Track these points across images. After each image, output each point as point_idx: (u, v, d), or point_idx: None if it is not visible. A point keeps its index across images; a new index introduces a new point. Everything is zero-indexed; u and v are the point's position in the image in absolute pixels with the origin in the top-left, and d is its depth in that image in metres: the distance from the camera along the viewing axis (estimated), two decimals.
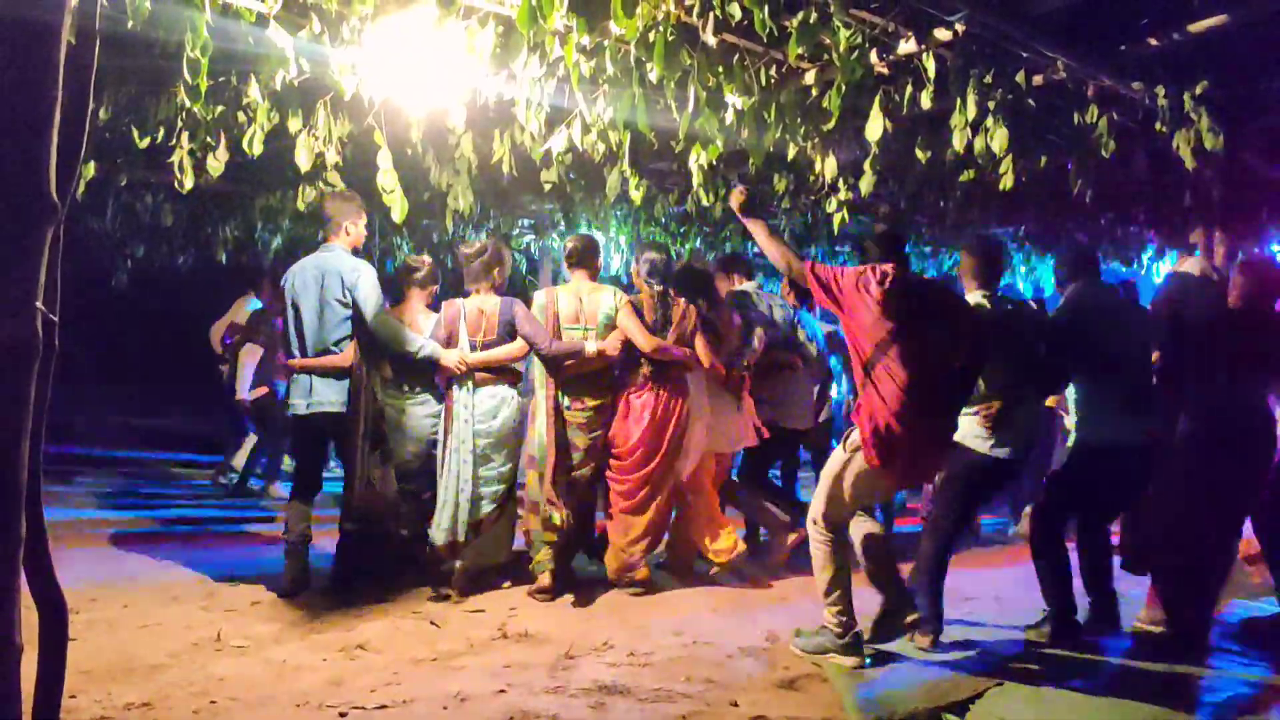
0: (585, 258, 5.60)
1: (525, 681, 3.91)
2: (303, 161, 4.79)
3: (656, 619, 4.92)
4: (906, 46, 4.50)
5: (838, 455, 4.33)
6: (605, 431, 5.43)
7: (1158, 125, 4.77)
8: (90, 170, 5.75)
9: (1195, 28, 4.39)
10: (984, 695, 3.89)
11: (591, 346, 5.28)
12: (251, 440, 8.71)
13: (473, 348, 5.29)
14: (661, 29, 3.64)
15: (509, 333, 5.30)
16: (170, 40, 4.05)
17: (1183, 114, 4.64)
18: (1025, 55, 4.52)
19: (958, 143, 4.62)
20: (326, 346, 5.24)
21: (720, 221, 8.93)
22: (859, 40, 3.94)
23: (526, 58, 4.06)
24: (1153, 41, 4.57)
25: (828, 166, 5.15)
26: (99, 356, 11.12)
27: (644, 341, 5.32)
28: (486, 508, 5.27)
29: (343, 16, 4.05)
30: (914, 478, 4.71)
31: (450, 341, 5.32)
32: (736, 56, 4.30)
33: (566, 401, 5.36)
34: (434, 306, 5.76)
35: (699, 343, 5.52)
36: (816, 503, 4.35)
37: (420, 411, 5.47)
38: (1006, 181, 4.79)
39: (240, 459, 8.80)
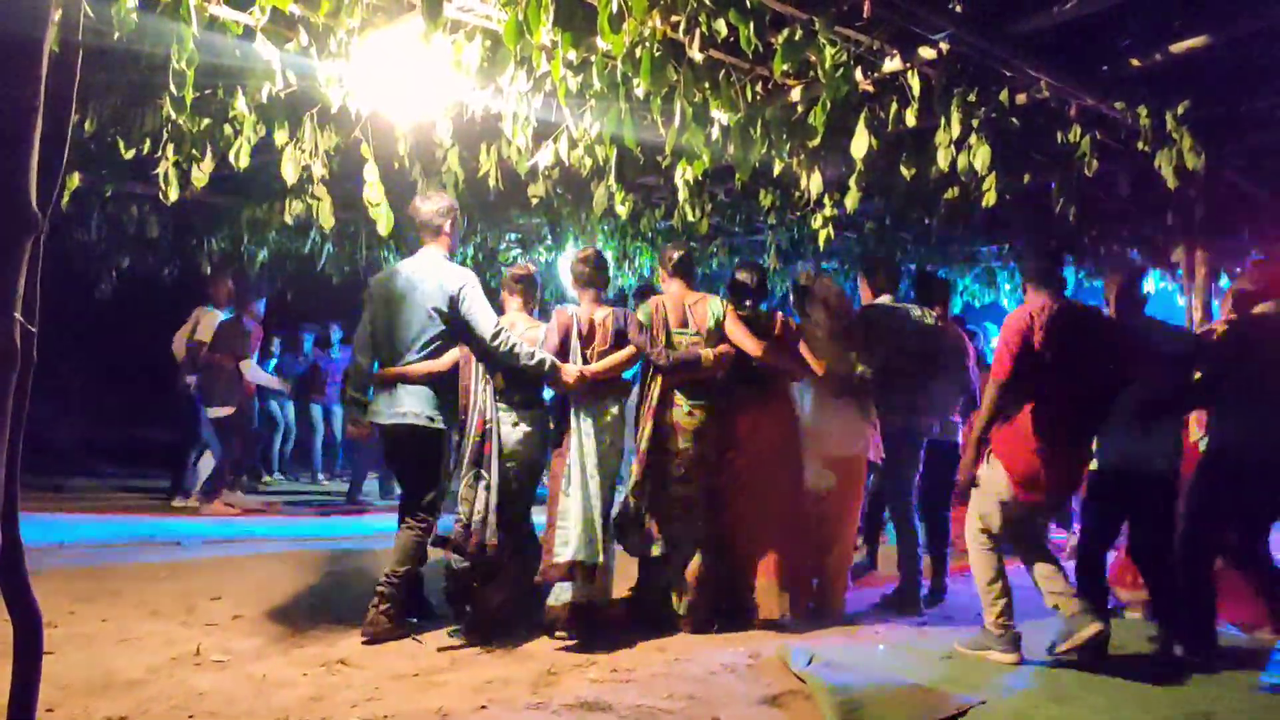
0: (685, 268, 5.48)
1: (507, 698, 3.89)
2: (289, 174, 4.79)
3: (640, 635, 4.89)
4: (891, 64, 4.53)
5: (986, 473, 4.52)
6: (712, 446, 5.22)
7: (1140, 144, 4.81)
8: (75, 181, 5.75)
9: (1177, 48, 4.44)
10: (965, 714, 3.88)
11: (708, 352, 5.14)
12: (208, 460, 8.54)
13: (584, 360, 5.03)
14: (648, 45, 3.66)
15: (621, 342, 5.11)
16: (156, 53, 4.04)
17: (1165, 133, 4.68)
18: (1009, 74, 4.55)
19: (942, 160, 4.65)
20: (417, 356, 4.84)
21: (707, 237, 8.96)
22: (844, 58, 3.96)
23: (513, 72, 4.09)
24: (1135, 62, 4.62)
25: (813, 183, 5.17)
26: (82, 367, 11.00)
27: (754, 347, 5.19)
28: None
29: (329, 30, 4.07)
30: (1060, 498, 4.73)
31: (562, 352, 5.01)
32: (723, 72, 4.32)
33: (683, 405, 5.15)
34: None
35: (804, 351, 5.41)
36: (974, 513, 4.59)
37: (534, 429, 5.02)
38: (989, 199, 4.82)
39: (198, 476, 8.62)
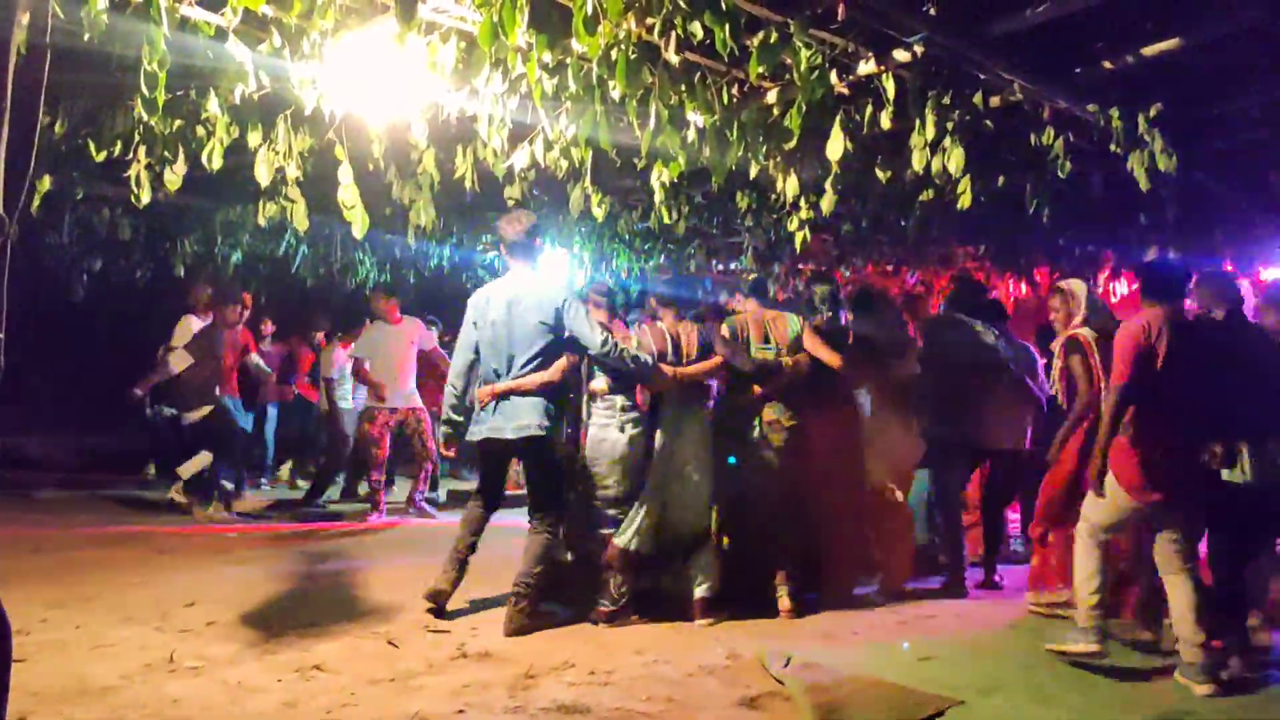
0: (760, 288, 5.95)
1: (484, 701, 3.87)
2: (262, 176, 4.75)
3: (620, 638, 4.88)
4: (866, 67, 4.55)
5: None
6: (797, 449, 5.54)
7: (1113, 146, 4.85)
8: (46, 184, 5.69)
9: (1149, 51, 4.48)
10: (944, 714, 3.90)
11: (788, 359, 5.54)
12: (204, 456, 8.36)
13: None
14: (623, 47, 3.67)
15: (706, 354, 5.47)
16: (127, 54, 4.00)
17: (1137, 135, 4.72)
18: (983, 77, 4.59)
19: (917, 163, 4.68)
20: (528, 369, 5.07)
21: (684, 239, 8.97)
22: (819, 60, 3.98)
23: (489, 74, 4.08)
24: (1107, 65, 4.67)
25: (789, 185, 5.18)
26: (54, 370, 10.89)
27: (832, 358, 5.52)
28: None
29: (303, 31, 4.05)
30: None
31: (662, 361, 5.37)
32: (698, 75, 4.32)
33: (773, 416, 5.53)
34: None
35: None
36: (1086, 507, 4.59)
37: (631, 433, 5.29)
38: (964, 201, 4.85)
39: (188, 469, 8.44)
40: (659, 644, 4.79)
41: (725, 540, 5.47)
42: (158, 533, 7.53)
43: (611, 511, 5.26)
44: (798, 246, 5.90)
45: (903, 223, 7.72)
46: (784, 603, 5.35)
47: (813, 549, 5.59)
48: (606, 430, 5.26)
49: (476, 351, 5.24)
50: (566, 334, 5.10)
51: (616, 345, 5.08)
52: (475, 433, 5.18)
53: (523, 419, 5.01)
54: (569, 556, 5.44)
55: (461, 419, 5.32)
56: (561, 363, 5.12)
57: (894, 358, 5.84)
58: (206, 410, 8.24)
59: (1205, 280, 4.85)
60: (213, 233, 8.60)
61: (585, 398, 5.42)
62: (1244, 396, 4.41)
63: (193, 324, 8.34)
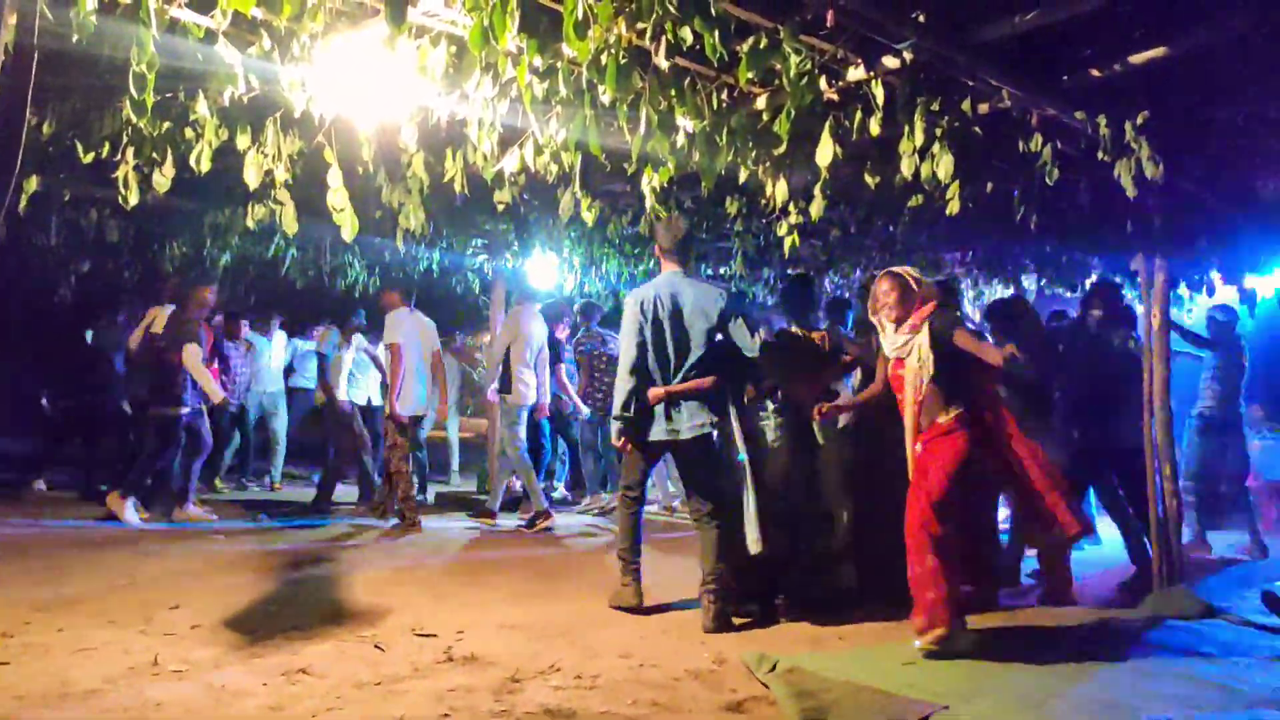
0: (956, 295, 6.45)
1: (469, 705, 3.87)
2: (251, 179, 4.74)
3: (606, 641, 4.89)
4: (855, 73, 4.57)
5: None
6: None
7: (1100, 154, 4.86)
8: (33, 185, 5.66)
9: (1136, 59, 4.49)
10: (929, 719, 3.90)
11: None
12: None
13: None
14: (613, 52, 3.67)
15: (837, 354, 5.83)
16: (116, 55, 3.99)
17: (1124, 143, 4.74)
18: (971, 84, 4.60)
19: (905, 169, 4.69)
20: (696, 372, 5.32)
21: None
22: (809, 66, 3.97)
23: (479, 78, 4.08)
24: (1095, 72, 4.67)
25: (779, 190, 5.19)
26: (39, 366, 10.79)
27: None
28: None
29: (292, 34, 4.04)
30: None
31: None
32: (688, 80, 4.32)
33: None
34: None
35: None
36: None
37: (784, 433, 5.65)
38: (953, 207, 4.86)
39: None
40: (645, 647, 4.79)
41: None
42: (143, 535, 7.51)
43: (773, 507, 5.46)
44: (786, 251, 5.90)
45: (891, 228, 7.74)
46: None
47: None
48: (767, 433, 5.62)
49: (643, 351, 5.40)
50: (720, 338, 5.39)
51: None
52: (652, 433, 5.37)
53: (697, 418, 5.29)
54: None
55: (634, 415, 5.40)
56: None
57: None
58: (172, 407, 8.12)
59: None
60: (201, 235, 8.55)
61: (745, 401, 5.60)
62: None
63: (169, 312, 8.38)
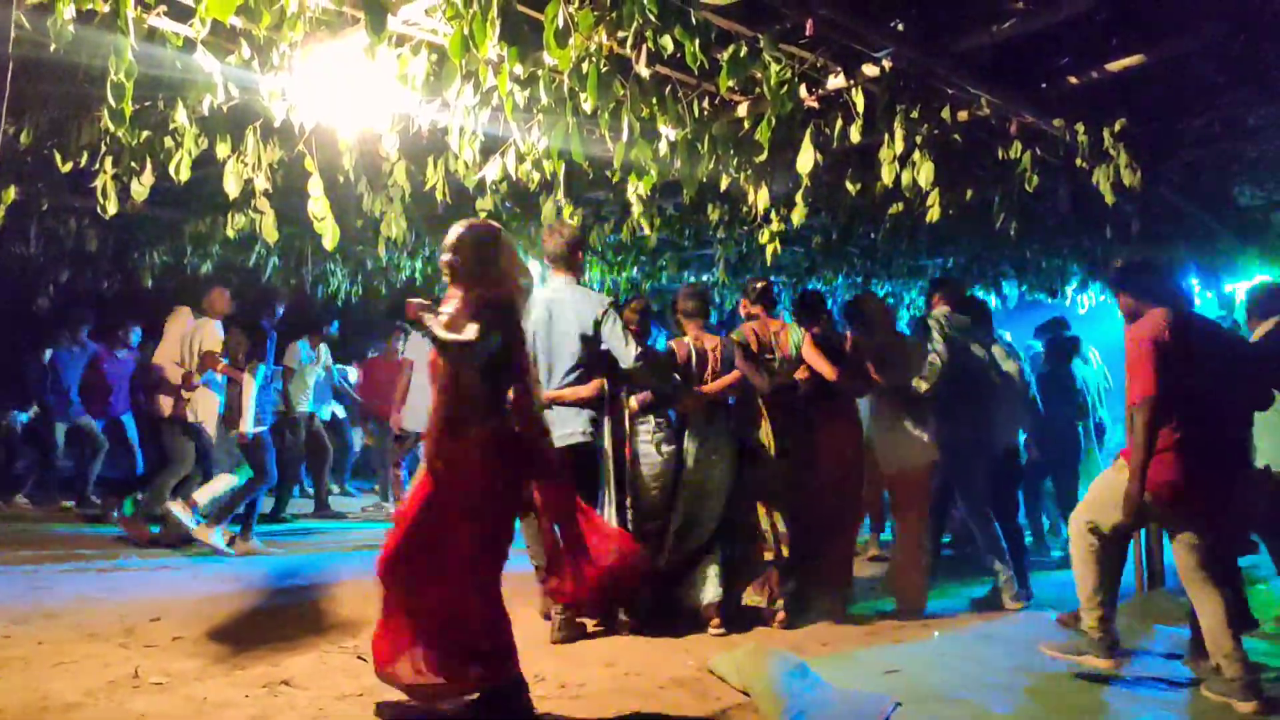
0: (767, 297, 5.94)
1: (454, 715, 3.85)
2: (231, 188, 4.71)
3: (590, 650, 4.88)
4: (835, 81, 4.59)
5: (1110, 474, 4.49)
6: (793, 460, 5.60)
7: (1078, 161, 4.89)
8: (11, 195, 5.63)
9: (1113, 67, 4.53)
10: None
11: (802, 377, 5.63)
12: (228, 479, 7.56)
13: (701, 383, 5.55)
14: (594, 60, 3.66)
15: (729, 368, 5.56)
16: (94, 64, 3.97)
17: (1102, 150, 4.77)
18: (950, 92, 4.62)
19: (886, 176, 4.71)
20: (564, 381, 5.14)
21: (656, 251, 8.98)
22: (789, 75, 4.00)
23: (460, 86, 4.04)
24: (1072, 80, 4.71)
25: (760, 198, 5.20)
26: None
27: (830, 372, 5.57)
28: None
29: (272, 42, 4.01)
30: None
31: (686, 376, 5.51)
32: (669, 88, 4.34)
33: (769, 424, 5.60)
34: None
35: (868, 367, 5.84)
36: (1084, 507, 4.54)
37: (668, 450, 5.45)
38: (933, 214, 4.88)
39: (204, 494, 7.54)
40: (630, 656, 4.78)
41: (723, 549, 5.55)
42: (121, 546, 7.43)
43: (649, 525, 5.38)
44: (768, 258, 5.91)
45: (873, 235, 7.77)
46: (779, 615, 5.46)
47: (809, 560, 5.65)
48: (646, 447, 5.39)
49: None
50: (602, 346, 5.16)
51: (649, 360, 5.20)
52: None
53: (567, 427, 5.08)
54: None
55: None
56: (598, 380, 5.20)
57: (891, 367, 5.83)
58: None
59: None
60: (182, 244, 8.49)
61: (627, 413, 5.45)
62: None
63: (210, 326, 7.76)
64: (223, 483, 7.40)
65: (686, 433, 5.48)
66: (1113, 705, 4.29)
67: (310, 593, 6.01)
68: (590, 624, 5.22)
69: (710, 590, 5.35)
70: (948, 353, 5.89)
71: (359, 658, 4.60)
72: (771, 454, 5.50)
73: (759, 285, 5.90)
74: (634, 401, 5.40)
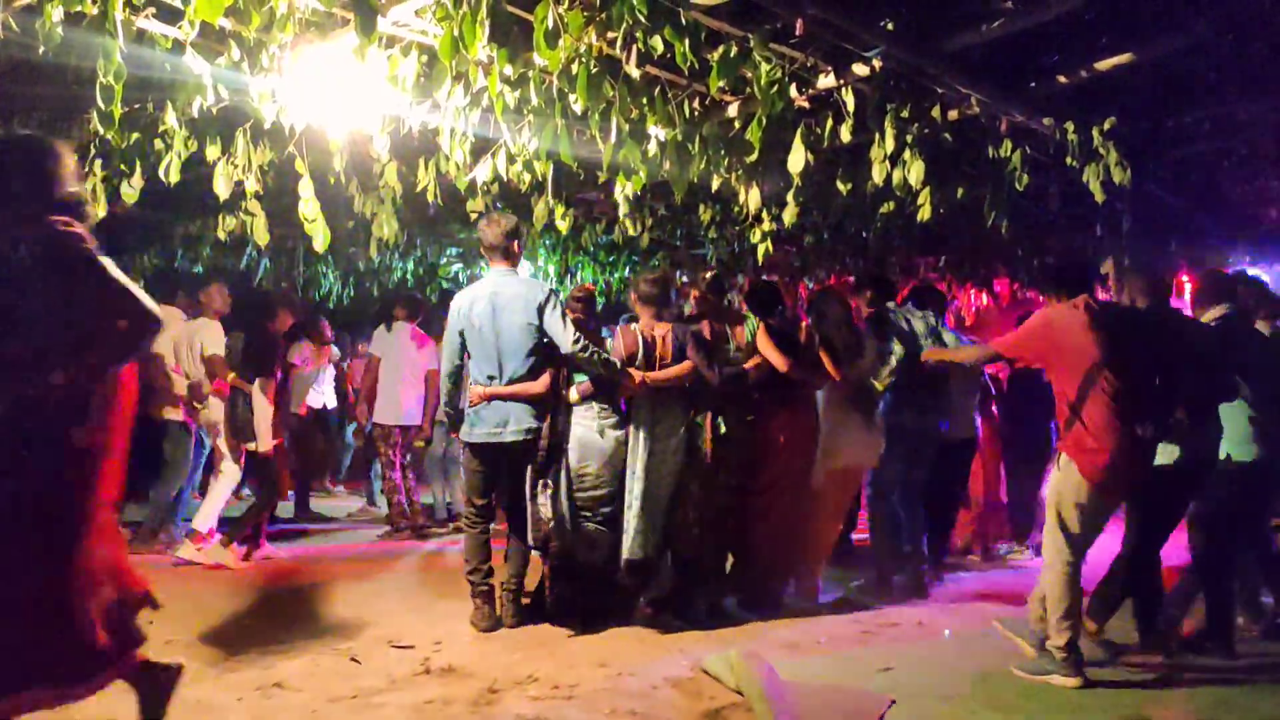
0: (718, 289, 5.95)
1: (447, 717, 3.84)
2: (221, 190, 4.70)
3: (583, 650, 4.86)
4: (826, 81, 4.58)
5: (1055, 478, 4.51)
6: (745, 452, 5.63)
7: (1069, 159, 4.90)
8: None
9: (1102, 65, 4.54)
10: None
11: (751, 366, 5.61)
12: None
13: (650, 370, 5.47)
14: (584, 61, 3.67)
15: (680, 357, 5.45)
16: (83, 67, 3.95)
17: (1092, 149, 4.79)
18: (940, 91, 4.62)
19: (877, 175, 4.71)
20: (516, 373, 5.15)
21: (648, 251, 8.97)
22: (779, 75, 4.00)
23: (450, 87, 4.04)
24: (1062, 79, 4.72)
25: (751, 198, 5.20)
26: None
27: (781, 362, 5.52)
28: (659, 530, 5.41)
29: (261, 44, 4.00)
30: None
31: (631, 364, 5.39)
32: (659, 88, 4.33)
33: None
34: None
35: (824, 360, 5.75)
36: (1051, 525, 4.52)
37: (614, 435, 5.37)
38: (924, 213, 4.89)
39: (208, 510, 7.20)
40: (623, 656, 4.77)
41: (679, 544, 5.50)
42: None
43: (599, 512, 5.33)
44: (760, 258, 5.92)
45: (864, 234, 7.77)
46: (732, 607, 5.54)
47: (760, 552, 5.68)
48: (589, 433, 5.31)
49: (464, 354, 5.30)
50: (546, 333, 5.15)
51: (588, 347, 5.10)
52: (472, 435, 5.22)
53: (519, 422, 5.12)
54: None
55: (457, 411, 5.37)
56: (549, 373, 5.20)
57: (848, 357, 5.82)
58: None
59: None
60: (172, 247, 8.48)
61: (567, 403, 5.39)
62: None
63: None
64: (217, 494, 7.13)
65: (633, 421, 5.39)
66: (1110, 704, 4.30)
67: (302, 595, 6.00)
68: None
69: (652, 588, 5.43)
70: (903, 347, 5.95)
71: (353, 659, 4.60)
72: (712, 445, 5.52)
73: (709, 275, 5.93)
74: (574, 393, 5.34)
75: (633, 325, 5.55)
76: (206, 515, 6.93)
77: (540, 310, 5.11)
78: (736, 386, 5.57)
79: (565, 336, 5.07)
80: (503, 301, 5.14)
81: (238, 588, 6.13)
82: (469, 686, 4.24)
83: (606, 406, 5.39)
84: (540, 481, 5.27)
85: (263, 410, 6.85)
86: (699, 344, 5.45)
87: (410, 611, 5.58)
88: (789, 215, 5.32)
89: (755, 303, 5.95)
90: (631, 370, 5.29)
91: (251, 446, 6.92)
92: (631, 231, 6.27)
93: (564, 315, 5.14)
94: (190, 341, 7.30)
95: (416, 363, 8.16)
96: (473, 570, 5.26)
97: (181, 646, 4.75)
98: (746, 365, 5.62)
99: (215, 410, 7.20)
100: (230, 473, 7.11)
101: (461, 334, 5.24)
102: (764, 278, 6.88)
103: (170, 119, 4.41)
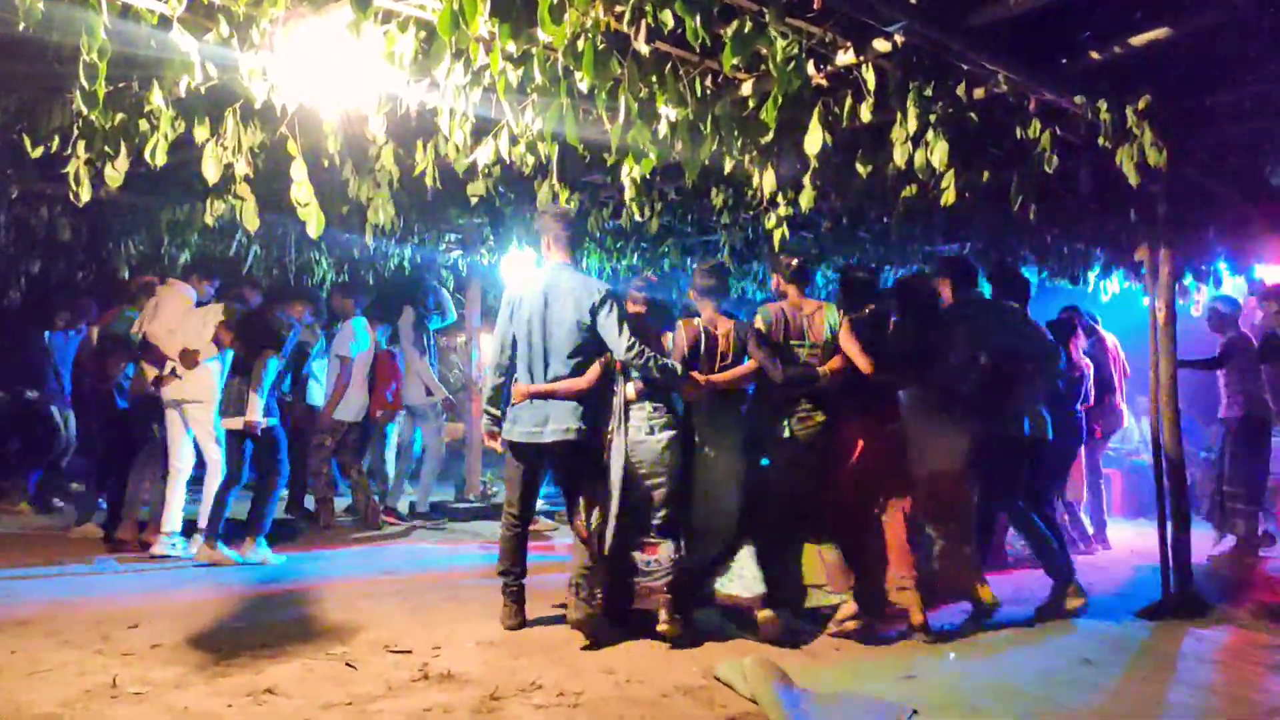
0: (801, 275, 5.59)
1: None
2: (210, 173, 4.54)
3: (590, 657, 4.73)
4: (845, 58, 4.44)
5: None
6: (825, 455, 5.31)
7: (1100, 140, 4.72)
8: None
9: (1137, 41, 4.37)
10: None
11: (825, 370, 5.27)
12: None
13: (712, 370, 5.28)
14: (591, 36, 3.54)
15: (742, 354, 5.29)
16: (65, 43, 3.80)
17: (1125, 129, 4.62)
18: (966, 68, 4.45)
19: (899, 157, 4.56)
20: (561, 372, 4.98)
21: (657, 237, 8.81)
22: (796, 50, 3.82)
23: (449, 65, 3.92)
24: (1094, 55, 4.55)
25: (766, 181, 5.04)
26: None
27: (866, 365, 5.23)
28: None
29: (252, 19, 3.85)
30: None
31: (691, 362, 5.25)
32: (670, 66, 4.19)
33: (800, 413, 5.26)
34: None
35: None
36: None
37: (662, 434, 5.12)
38: (948, 197, 4.70)
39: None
40: (631, 663, 4.63)
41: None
42: (95, 550, 7.23)
43: (655, 516, 5.12)
44: (776, 244, 5.71)
45: (885, 219, 7.57)
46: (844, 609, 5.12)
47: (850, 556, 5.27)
48: (640, 434, 5.10)
49: (514, 346, 5.15)
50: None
51: (644, 351, 4.90)
52: (511, 433, 5.09)
53: (560, 422, 4.94)
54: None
55: (499, 411, 5.21)
56: (596, 368, 5.01)
57: (938, 356, 5.53)
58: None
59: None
60: (159, 232, 8.27)
61: (621, 400, 5.12)
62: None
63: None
64: (211, 492, 6.97)
65: (694, 422, 5.23)
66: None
67: (294, 598, 5.87)
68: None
69: (747, 584, 5.07)
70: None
71: (348, 664, 4.48)
72: (800, 444, 5.21)
73: (793, 261, 5.53)
74: (630, 389, 5.12)
75: (695, 320, 5.37)
76: (208, 521, 6.84)
77: (594, 311, 4.96)
78: (806, 389, 5.25)
79: (620, 342, 4.90)
80: (555, 296, 5.03)
81: (225, 589, 6.00)
82: (470, 693, 4.11)
83: (660, 405, 5.17)
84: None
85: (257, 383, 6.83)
86: (760, 340, 5.25)
87: (407, 614, 5.48)
88: (806, 199, 5.13)
89: (846, 294, 5.68)
90: (694, 374, 5.17)
91: (237, 424, 6.80)
92: (640, 216, 6.10)
93: (621, 319, 4.96)
94: (205, 320, 7.23)
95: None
96: (505, 570, 5.23)
97: (168, 651, 4.67)
98: (823, 369, 5.26)
99: (201, 379, 7.07)
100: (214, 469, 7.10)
101: (511, 328, 5.13)
102: (852, 265, 6.50)
103: (156, 98, 4.24)
